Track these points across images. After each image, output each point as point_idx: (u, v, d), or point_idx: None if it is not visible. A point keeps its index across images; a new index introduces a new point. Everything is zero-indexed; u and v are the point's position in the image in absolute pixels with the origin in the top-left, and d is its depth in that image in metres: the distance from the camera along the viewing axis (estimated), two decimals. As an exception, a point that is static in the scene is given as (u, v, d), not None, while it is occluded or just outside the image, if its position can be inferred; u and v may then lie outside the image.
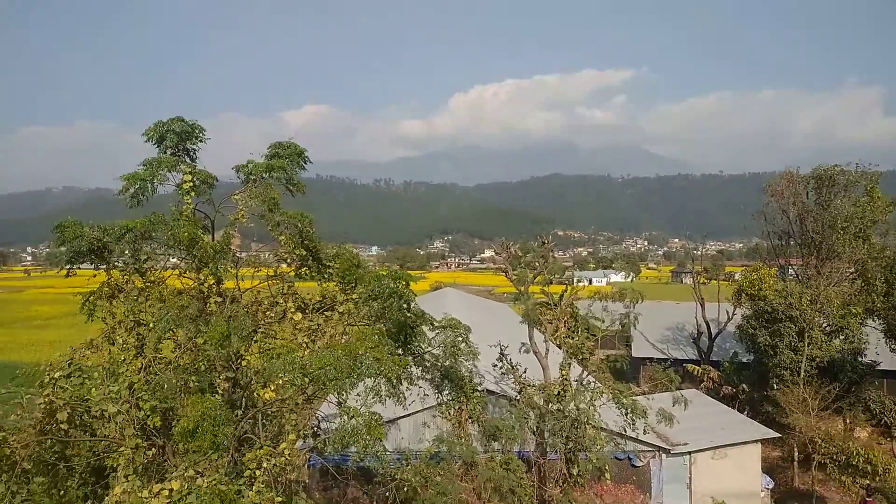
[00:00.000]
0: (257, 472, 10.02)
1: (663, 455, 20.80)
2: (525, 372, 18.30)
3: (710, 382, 30.38)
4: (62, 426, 10.76)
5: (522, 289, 18.11)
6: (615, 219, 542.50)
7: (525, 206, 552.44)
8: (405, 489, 12.35)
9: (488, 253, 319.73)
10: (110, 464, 11.98)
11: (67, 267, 12.20)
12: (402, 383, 10.76)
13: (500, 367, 18.22)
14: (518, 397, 17.99)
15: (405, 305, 12.08)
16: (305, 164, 13.17)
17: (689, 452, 21.00)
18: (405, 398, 11.20)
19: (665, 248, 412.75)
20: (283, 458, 10.17)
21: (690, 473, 21.24)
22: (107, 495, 12.18)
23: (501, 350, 18.12)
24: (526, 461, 17.47)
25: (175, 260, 13.16)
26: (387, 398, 10.57)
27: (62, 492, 11.83)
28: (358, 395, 10.15)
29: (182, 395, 12.76)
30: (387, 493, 12.41)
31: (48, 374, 11.73)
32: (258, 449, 10.52)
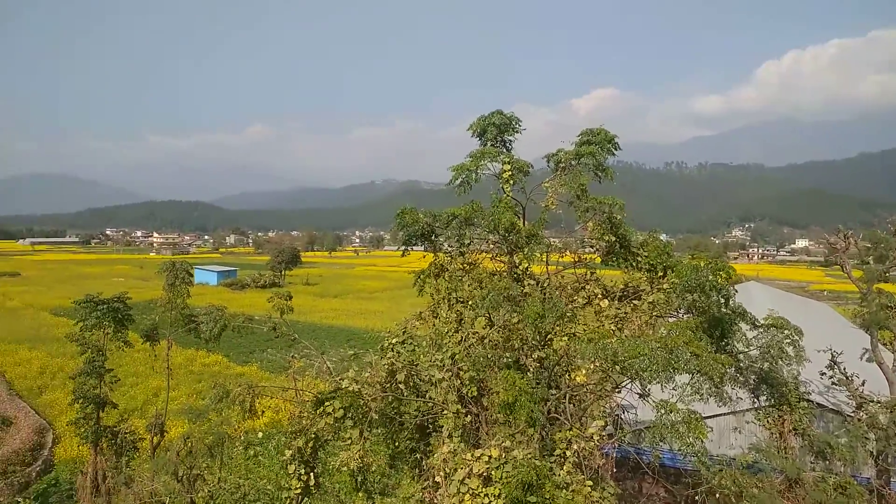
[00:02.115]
0: (567, 453, 10.28)
1: None
2: (863, 385, 15.44)
3: None
4: (400, 386, 12.43)
5: (866, 287, 15.18)
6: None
7: (851, 188, 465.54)
8: (717, 495, 11.45)
9: (801, 243, 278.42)
10: (432, 424, 13.59)
11: (403, 248, 14.06)
12: (723, 383, 9.94)
13: (831, 377, 15.66)
14: (854, 413, 15.28)
15: (723, 300, 11.13)
16: (615, 149, 13.00)
17: None
18: (731, 399, 10.33)
19: None
20: (591, 443, 10.25)
21: None
22: (427, 451, 13.87)
23: (833, 357, 15.55)
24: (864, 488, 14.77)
25: (487, 244, 14.24)
26: (707, 398, 9.86)
27: (396, 443, 13.76)
28: (673, 389, 9.67)
29: (492, 369, 13.80)
30: (696, 497, 11.68)
31: (387, 340, 13.73)
32: (567, 430, 10.78)
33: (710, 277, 10.74)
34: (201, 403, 31.29)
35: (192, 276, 18.63)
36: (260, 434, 14.76)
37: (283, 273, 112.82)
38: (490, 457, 9.85)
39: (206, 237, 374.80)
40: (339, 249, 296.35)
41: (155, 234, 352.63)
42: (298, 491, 10.66)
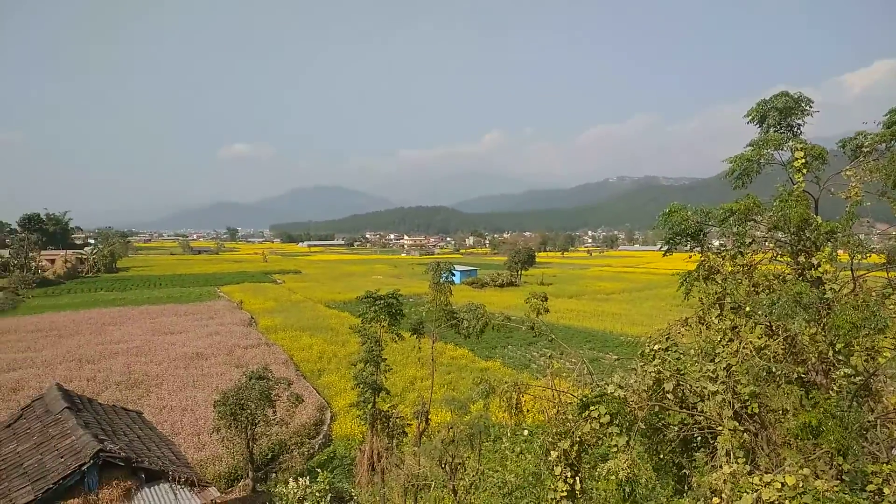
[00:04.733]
0: (886, 490, 8.59)
1: None
2: None
3: None
4: (668, 396, 11.63)
5: None
6: None
7: None
8: None
9: None
10: (699, 438, 12.48)
11: (666, 248, 13.15)
12: None
13: None
14: None
15: None
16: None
17: None
18: None
19: None
20: (924, 484, 8.42)
21: None
22: (693, 467, 12.78)
23: None
24: None
25: (767, 243, 12.63)
26: None
27: (660, 455, 12.94)
28: None
29: (773, 384, 12.19)
30: None
31: (648, 346, 12.97)
32: (884, 463, 9.02)
33: None
34: (453, 394, 33.41)
35: (454, 275, 19.90)
36: (526, 432, 15.06)
37: (519, 273, 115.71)
38: (783, 484, 8.67)
39: (449, 239, 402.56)
40: (571, 249, 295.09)
41: (405, 237, 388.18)
42: (564, 494, 10.56)
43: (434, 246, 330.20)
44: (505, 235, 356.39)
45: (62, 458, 12.11)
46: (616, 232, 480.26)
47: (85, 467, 11.78)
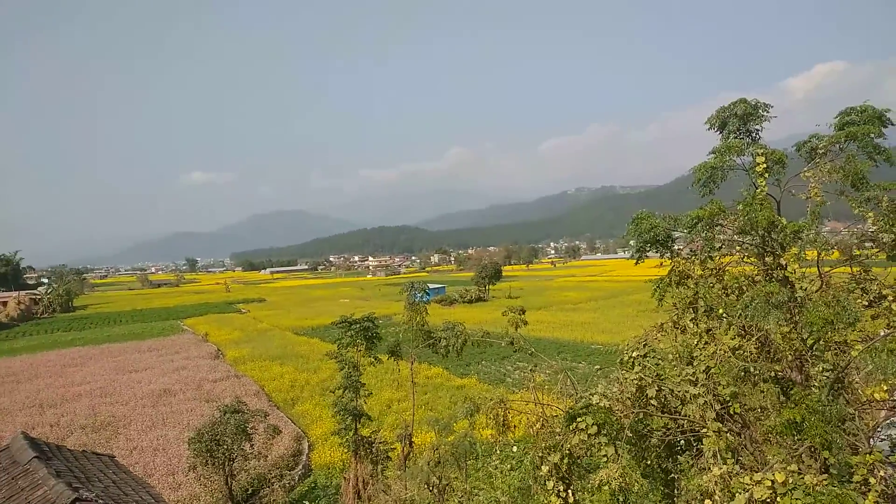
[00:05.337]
0: (871, 480, 8.84)
1: None
2: None
3: None
4: (651, 402, 11.77)
5: None
6: None
7: None
8: None
9: None
10: (682, 442, 12.66)
11: (637, 255, 13.41)
12: None
13: None
14: None
15: None
16: (885, 126, 11.12)
17: None
18: None
19: None
20: (901, 471, 8.69)
21: None
22: (678, 471, 12.94)
23: None
24: None
25: (733, 247, 12.99)
26: None
27: (647, 461, 13.07)
28: None
29: (749, 383, 12.47)
30: None
31: (626, 354, 13.13)
32: (867, 454, 9.30)
33: None
34: (431, 413, 33.18)
35: (428, 294, 19.87)
36: (515, 448, 15.04)
37: (487, 288, 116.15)
38: (773, 481, 8.84)
39: (414, 258, 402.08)
40: (535, 262, 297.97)
41: (370, 258, 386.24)
42: (557, 508, 10.53)
43: (399, 265, 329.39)
44: (470, 251, 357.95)
45: (34, 510, 11.53)
46: (577, 242, 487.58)
47: (60, 519, 11.24)
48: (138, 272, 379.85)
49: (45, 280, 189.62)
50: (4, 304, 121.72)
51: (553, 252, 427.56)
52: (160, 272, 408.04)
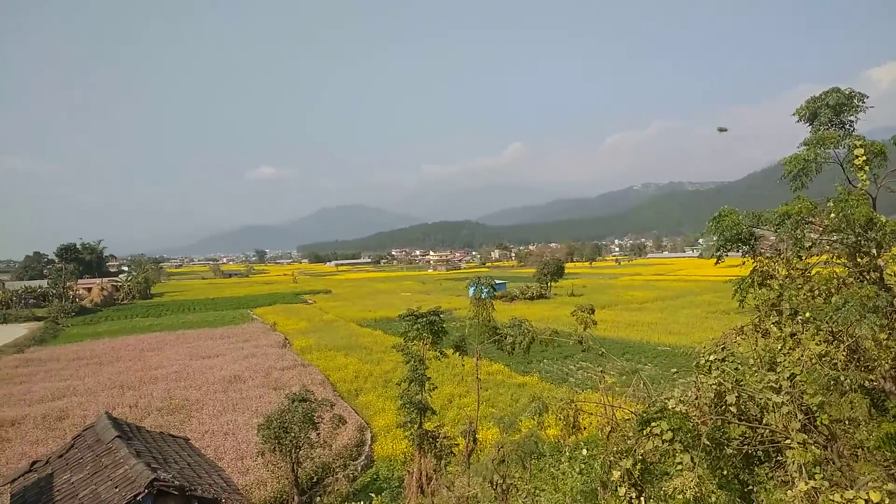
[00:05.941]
0: None
1: None
2: None
3: None
4: (731, 409, 11.19)
5: None
6: None
7: None
8: None
9: None
10: (762, 453, 11.98)
11: (718, 254, 12.76)
12: None
13: None
14: None
15: None
16: None
17: None
18: None
19: None
20: None
21: None
22: (756, 483, 12.27)
23: None
24: None
25: (823, 246, 12.17)
26: None
27: (722, 471, 12.44)
28: None
29: (837, 393, 11.72)
30: None
31: (703, 357, 12.52)
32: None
33: None
34: (492, 410, 32.99)
35: (494, 289, 19.71)
36: (585, 451, 14.70)
37: (548, 285, 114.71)
38: (867, 500, 8.24)
39: (474, 253, 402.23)
40: (598, 259, 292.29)
41: (431, 253, 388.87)
42: (630, 515, 10.18)
43: (460, 261, 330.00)
44: (531, 247, 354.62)
45: (117, 488, 12.11)
46: (643, 240, 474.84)
47: (140, 497, 11.76)
48: (210, 262, 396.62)
49: (126, 268, 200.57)
50: (89, 290, 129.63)
51: (617, 249, 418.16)
52: (231, 262, 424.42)
